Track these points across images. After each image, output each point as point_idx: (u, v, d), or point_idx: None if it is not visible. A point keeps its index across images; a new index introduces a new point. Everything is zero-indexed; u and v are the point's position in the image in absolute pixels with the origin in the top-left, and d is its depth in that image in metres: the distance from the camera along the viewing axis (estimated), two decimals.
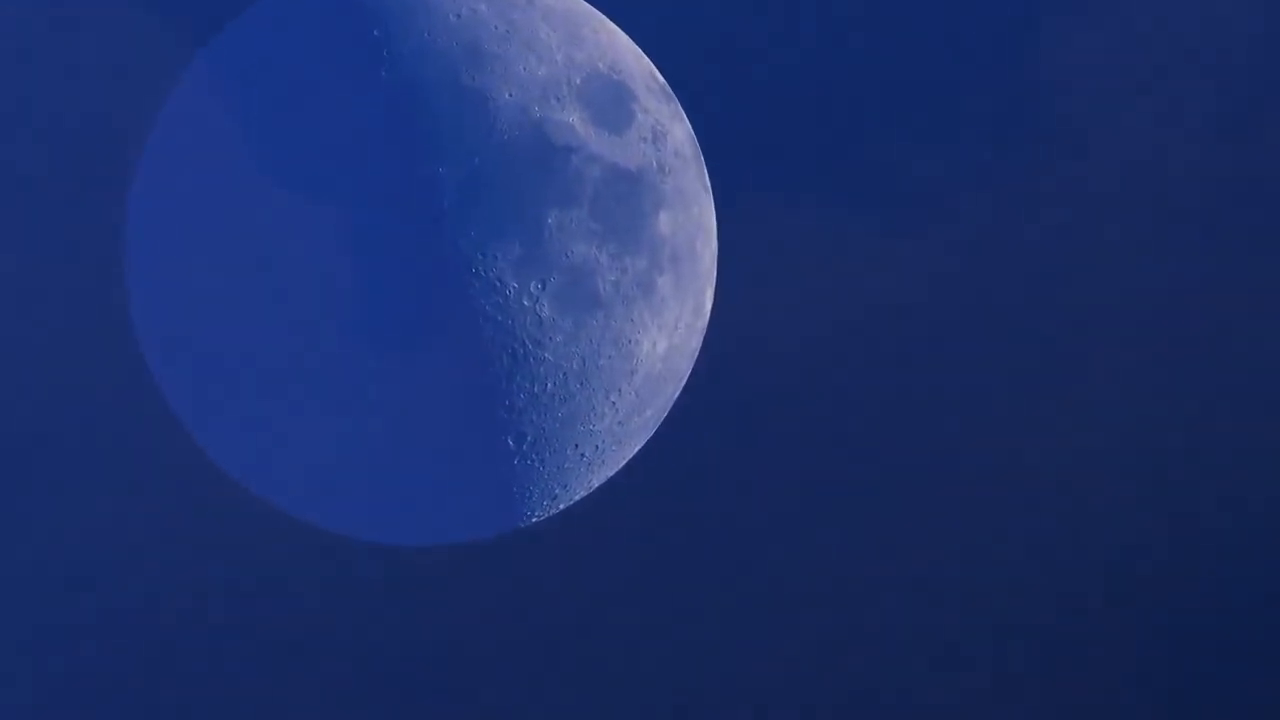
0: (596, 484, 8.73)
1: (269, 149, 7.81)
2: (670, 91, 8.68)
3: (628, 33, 8.58)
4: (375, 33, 7.84)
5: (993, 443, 11.56)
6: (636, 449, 8.84)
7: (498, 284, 7.68)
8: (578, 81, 7.99)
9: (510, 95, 7.79)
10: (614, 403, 8.22)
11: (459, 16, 7.83)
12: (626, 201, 7.97)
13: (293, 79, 7.92)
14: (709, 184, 8.76)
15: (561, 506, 8.67)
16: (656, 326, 8.25)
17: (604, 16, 8.43)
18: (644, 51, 8.66)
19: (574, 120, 7.86)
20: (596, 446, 8.35)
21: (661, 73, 8.70)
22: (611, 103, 8.09)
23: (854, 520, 11.38)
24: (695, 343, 8.73)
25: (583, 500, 8.76)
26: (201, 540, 11.11)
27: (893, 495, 11.38)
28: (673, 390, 8.75)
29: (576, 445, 8.24)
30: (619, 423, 8.34)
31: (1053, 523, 11.71)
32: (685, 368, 8.76)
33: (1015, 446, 11.69)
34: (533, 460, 8.13)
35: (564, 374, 7.94)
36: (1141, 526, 11.71)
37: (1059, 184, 11.68)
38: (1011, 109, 11.64)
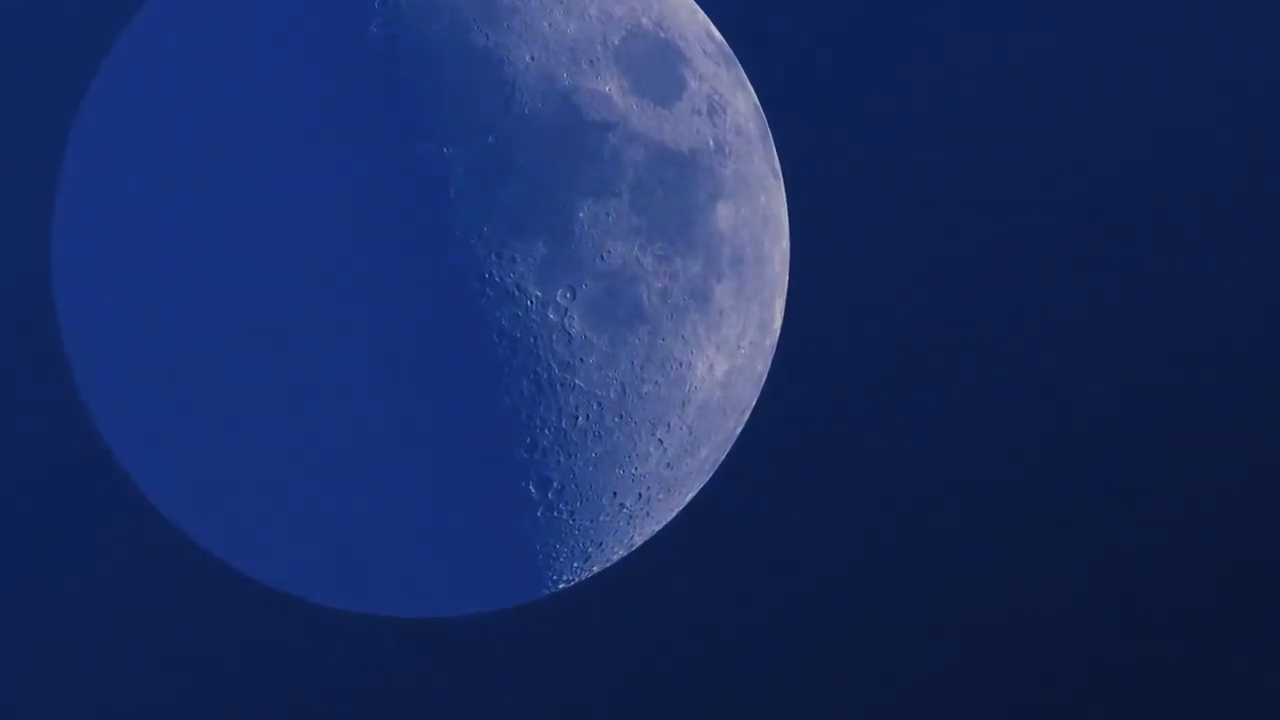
0: (639, 541, 8.48)
1: (230, 125, 7.42)
2: (730, 53, 8.37)
3: None
4: None
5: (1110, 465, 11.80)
6: (689, 498, 8.56)
7: (516, 292, 7.37)
8: (616, 41, 7.68)
9: (532, 58, 7.48)
10: (661, 440, 7.91)
11: None
12: (676, 190, 7.68)
13: (260, 36, 7.51)
14: (779, 168, 8.46)
15: (596, 569, 8.43)
16: (714, 345, 7.92)
17: None
18: (698, 4, 8.40)
19: (611, 89, 7.56)
20: (639, 495, 8.07)
21: (720, 29, 8.44)
22: (657, 67, 7.78)
23: (950, 587, 11.36)
24: (762, 366, 8.41)
25: (622, 561, 8.56)
26: (187, 621, 11.24)
27: (996, 555, 11.41)
28: (734, 425, 8.39)
29: (615, 493, 7.96)
30: (667, 465, 8.04)
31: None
32: (749, 396, 8.41)
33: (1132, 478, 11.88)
34: (561, 512, 7.86)
35: (599, 405, 7.63)
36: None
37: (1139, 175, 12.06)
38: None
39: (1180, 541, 12.12)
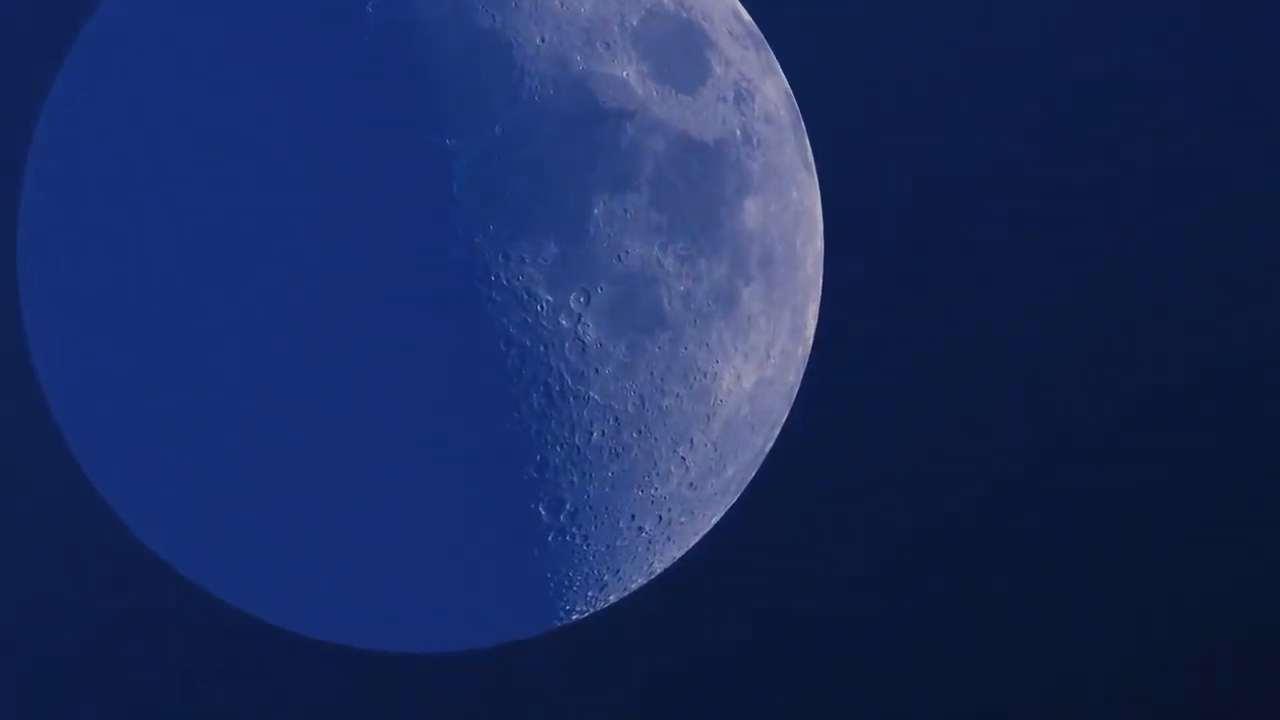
0: (660, 568, 8.48)
1: (214, 114, 7.31)
2: (759, 35, 8.39)
3: None
4: None
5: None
6: (713, 521, 8.53)
7: (525, 297, 7.32)
8: (634, 22, 7.64)
9: (543, 40, 7.43)
10: (683, 458, 7.87)
11: None
12: (700, 184, 7.62)
13: (248, 18, 7.43)
14: (812, 160, 8.47)
15: (612, 599, 8.47)
16: (741, 355, 7.86)
17: None
18: None
19: (629, 74, 7.52)
20: (660, 518, 8.03)
21: (748, 8, 8.49)
22: (680, 50, 7.74)
23: (995, 614, 11.35)
24: (794, 376, 8.38)
25: (641, 590, 8.60)
26: (176, 657, 11.38)
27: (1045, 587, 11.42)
28: (763, 441, 8.34)
29: (632, 516, 7.92)
30: (690, 485, 8.01)
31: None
32: (780, 410, 8.38)
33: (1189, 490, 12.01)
34: (574, 537, 7.85)
35: (615, 420, 7.58)
36: None
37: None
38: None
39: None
